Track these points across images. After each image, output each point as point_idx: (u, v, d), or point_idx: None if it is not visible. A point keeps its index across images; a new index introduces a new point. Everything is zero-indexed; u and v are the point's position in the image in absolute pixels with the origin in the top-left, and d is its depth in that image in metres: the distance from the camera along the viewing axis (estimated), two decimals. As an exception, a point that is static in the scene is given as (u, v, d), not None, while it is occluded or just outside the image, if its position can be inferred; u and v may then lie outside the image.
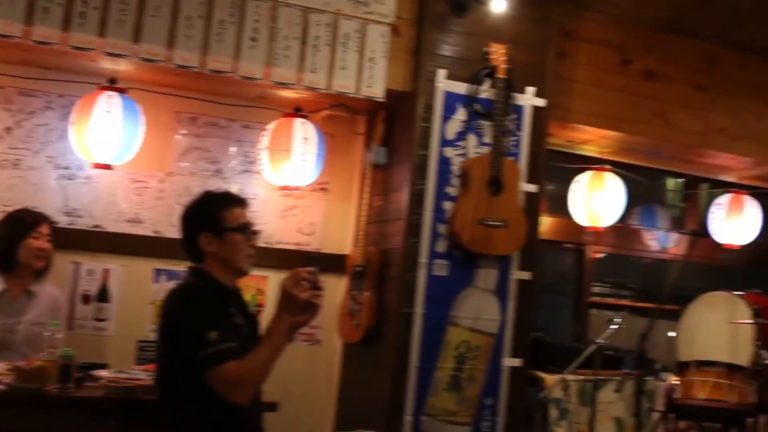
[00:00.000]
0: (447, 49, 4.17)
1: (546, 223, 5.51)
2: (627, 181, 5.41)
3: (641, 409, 4.43)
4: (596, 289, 6.33)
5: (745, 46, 5.24)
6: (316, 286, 2.57)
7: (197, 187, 4.16)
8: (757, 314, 3.85)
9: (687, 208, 6.39)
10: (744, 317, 3.98)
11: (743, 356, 4.15)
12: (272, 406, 3.32)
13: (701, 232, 4.11)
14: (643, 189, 6.00)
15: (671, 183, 6.54)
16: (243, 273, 2.81)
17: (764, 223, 5.93)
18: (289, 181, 4.32)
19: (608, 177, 5.26)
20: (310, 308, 2.62)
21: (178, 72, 3.80)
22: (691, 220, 6.24)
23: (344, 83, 3.97)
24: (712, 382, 4.16)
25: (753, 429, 4.36)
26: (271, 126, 4.37)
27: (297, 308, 2.58)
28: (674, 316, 4.56)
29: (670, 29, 5.05)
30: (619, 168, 5.40)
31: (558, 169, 5.49)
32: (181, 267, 2.78)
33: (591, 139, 5.11)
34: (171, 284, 3.53)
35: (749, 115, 5.36)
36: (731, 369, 4.16)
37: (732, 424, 4.46)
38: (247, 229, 2.79)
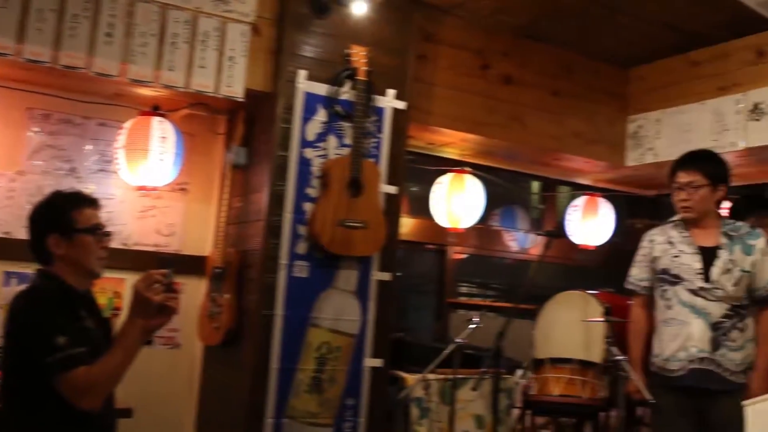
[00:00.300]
0: (308, 50, 4.24)
1: (408, 224, 5.66)
2: (487, 183, 5.61)
3: (500, 406, 4.60)
4: (463, 289, 6.53)
5: (599, 53, 5.56)
6: (170, 289, 2.57)
7: (50, 186, 4.09)
8: (607, 312, 4.07)
9: (545, 210, 6.68)
10: (596, 315, 4.20)
11: (595, 353, 4.36)
12: (127, 412, 3.30)
13: (556, 233, 4.32)
14: (503, 191, 6.23)
15: (535, 186, 6.80)
16: (94, 275, 2.78)
17: (617, 225, 6.28)
18: (147, 181, 4.29)
19: (468, 179, 5.46)
20: (165, 311, 2.62)
21: (29, 66, 3.72)
22: (549, 222, 6.53)
23: (203, 82, 3.98)
24: (566, 379, 4.35)
25: (605, 422, 4.60)
26: (127, 124, 4.34)
27: (150, 311, 2.58)
28: (531, 315, 4.77)
29: (527, 36, 5.29)
30: (479, 170, 5.61)
31: (420, 171, 5.65)
32: (33, 270, 2.73)
33: (451, 141, 5.29)
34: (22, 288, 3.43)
35: (603, 121, 5.68)
36: (584, 365, 4.37)
37: (586, 418, 4.71)
38: (98, 231, 2.76)
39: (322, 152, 4.22)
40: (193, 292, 4.52)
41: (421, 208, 5.74)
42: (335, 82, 4.27)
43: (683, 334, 3.69)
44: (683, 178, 3.77)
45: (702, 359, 3.65)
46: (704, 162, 3.79)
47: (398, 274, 5.98)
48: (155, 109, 4.36)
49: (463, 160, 5.64)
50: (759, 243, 3.74)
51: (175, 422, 4.59)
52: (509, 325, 4.04)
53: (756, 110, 4.96)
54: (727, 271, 3.67)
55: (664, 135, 5.51)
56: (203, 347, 4.61)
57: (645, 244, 3.96)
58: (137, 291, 2.58)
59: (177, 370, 4.64)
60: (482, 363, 4.43)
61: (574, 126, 5.56)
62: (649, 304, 3.98)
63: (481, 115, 5.12)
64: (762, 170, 5.63)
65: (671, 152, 5.29)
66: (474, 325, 4.21)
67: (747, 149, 5.03)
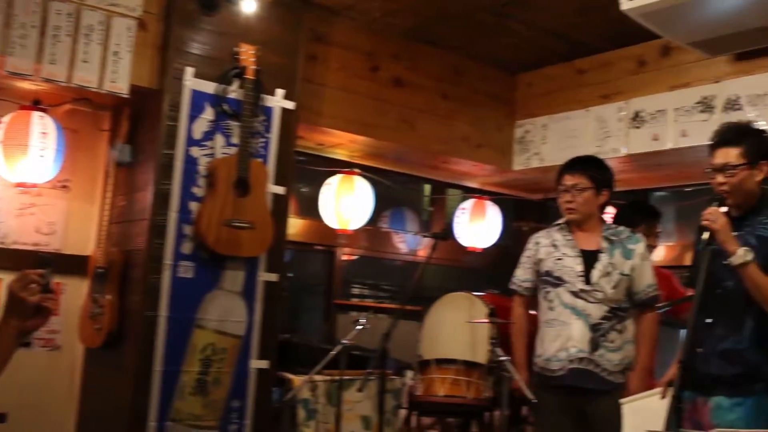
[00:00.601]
0: (196, 47, 4.26)
1: (296, 225, 5.70)
2: (376, 184, 5.70)
3: (387, 406, 4.68)
4: (355, 291, 6.59)
5: (488, 58, 5.74)
6: (46, 289, 2.54)
7: None
8: (492, 314, 4.21)
9: (434, 212, 6.81)
10: (482, 317, 4.31)
11: (480, 354, 4.49)
12: (1, 417, 3.24)
13: (443, 235, 4.43)
14: (393, 193, 6.34)
15: (427, 188, 6.92)
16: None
17: (505, 227, 6.46)
18: (26, 177, 4.23)
19: (357, 180, 5.54)
20: (42, 312, 2.59)
21: None
22: (438, 224, 6.67)
23: (86, 77, 3.95)
24: (452, 379, 4.47)
25: (490, 422, 4.74)
26: (6, 119, 4.26)
27: (26, 312, 2.54)
28: (419, 317, 4.87)
29: (418, 39, 5.43)
30: (368, 172, 5.70)
31: (310, 171, 5.71)
32: None
33: (341, 142, 5.37)
34: None
35: (491, 125, 5.86)
36: (469, 366, 4.50)
37: (471, 417, 4.85)
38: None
39: (208, 151, 4.24)
40: (75, 292, 4.47)
41: (310, 209, 5.80)
42: (223, 80, 4.29)
43: (564, 335, 3.87)
44: (569, 180, 3.97)
45: (581, 359, 3.83)
46: (589, 166, 4.02)
47: (290, 275, 6.01)
48: (36, 103, 4.29)
49: (353, 161, 5.73)
50: (638, 248, 3.96)
51: (55, 427, 4.52)
52: (395, 326, 4.13)
53: (637, 118, 5.23)
54: (607, 274, 3.87)
55: (550, 140, 5.74)
56: (84, 349, 4.56)
57: (530, 246, 4.13)
58: (12, 291, 2.54)
59: (57, 373, 4.57)
60: (369, 364, 4.50)
61: (463, 130, 5.73)
62: (530, 305, 4.15)
63: (371, 116, 5.23)
64: (643, 176, 5.92)
65: (557, 157, 5.51)
66: (360, 326, 4.28)
67: (628, 155, 5.30)
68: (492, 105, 5.92)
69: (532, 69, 5.92)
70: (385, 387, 4.44)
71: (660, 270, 4.45)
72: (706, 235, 3.11)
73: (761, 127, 3.52)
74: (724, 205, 3.22)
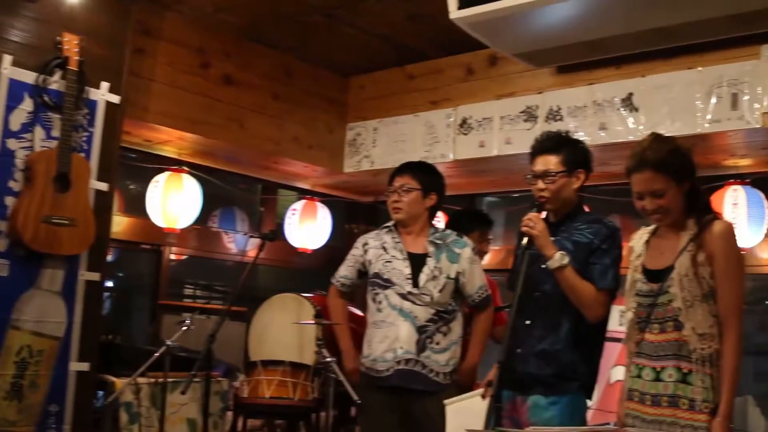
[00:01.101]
0: (15, 34, 4.11)
1: (122, 223, 5.57)
2: (205, 183, 5.64)
3: (214, 409, 4.64)
4: (188, 291, 6.49)
5: (319, 60, 5.80)
6: None
7: None
8: (318, 315, 4.26)
9: (265, 213, 6.81)
10: (309, 318, 4.34)
11: (307, 355, 4.53)
12: None
13: (271, 236, 4.43)
14: (223, 192, 6.28)
15: (258, 188, 6.90)
16: None
17: (335, 229, 6.54)
18: None
19: (186, 178, 5.47)
20: None
21: None
22: (269, 224, 6.67)
23: None
24: (278, 381, 4.48)
25: (316, 423, 4.78)
26: None
27: None
28: (247, 318, 4.86)
29: (250, 37, 5.43)
30: (198, 170, 5.63)
31: (138, 168, 5.57)
32: None
33: (169, 139, 5.29)
34: None
35: (321, 126, 5.92)
36: (296, 367, 4.53)
37: (298, 419, 4.89)
38: None
39: (27, 144, 4.07)
40: None
41: (138, 207, 5.66)
42: (44, 70, 4.14)
43: (391, 336, 3.96)
44: (397, 182, 4.09)
45: (408, 360, 3.93)
46: (418, 170, 4.14)
47: (119, 274, 5.85)
48: None
49: (182, 159, 5.65)
50: (465, 252, 4.09)
51: None
52: (221, 327, 4.10)
53: (464, 125, 5.42)
54: (434, 278, 3.99)
55: (380, 144, 5.87)
56: None
57: (358, 246, 4.22)
58: None
59: None
60: (194, 366, 4.44)
61: (294, 130, 5.76)
62: (344, 296, 4.28)
63: (200, 114, 5.18)
64: (471, 181, 6.15)
65: (387, 160, 5.65)
66: (185, 327, 4.23)
67: (456, 161, 5.49)
68: (324, 107, 5.98)
69: (364, 72, 6.03)
70: (211, 389, 4.40)
71: (487, 278, 4.66)
72: (525, 240, 3.28)
73: (579, 138, 3.75)
74: (543, 210, 3.41)
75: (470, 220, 4.78)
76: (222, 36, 5.32)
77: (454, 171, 5.76)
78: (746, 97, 4.33)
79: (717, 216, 2.98)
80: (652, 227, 3.15)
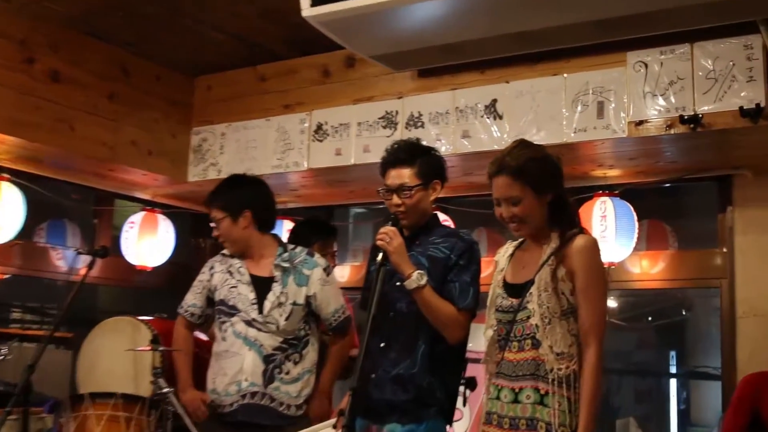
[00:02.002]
0: None
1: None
2: (29, 192, 5.41)
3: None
4: (15, 315, 6.24)
5: (161, 57, 5.64)
6: None
7: None
8: (155, 340, 4.12)
9: (99, 226, 6.57)
10: (145, 344, 4.21)
11: (143, 386, 4.37)
12: None
13: (102, 252, 4.27)
14: (51, 203, 6.05)
15: (92, 198, 6.65)
16: None
17: (180, 244, 6.38)
18: None
19: (5, 187, 5.24)
20: None
21: None
22: (104, 239, 6.44)
23: None
24: (108, 415, 4.30)
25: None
26: None
27: None
28: (76, 344, 4.67)
29: (81, 29, 5.23)
30: (21, 178, 5.38)
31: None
32: None
33: (-15, 143, 5.02)
34: None
35: (163, 130, 5.77)
36: (129, 400, 4.34)
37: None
38: None
39: None
40: None
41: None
42: None
43: (235, 367, 3.87)
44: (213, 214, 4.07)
45: (254, 393, 3.85)
46: (220, 196, 4.07)
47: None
48: None
49: (2, 164, 5.37)
50: (315, 273, 4.01)
51: None
52: (42, 355, 3.91)
53: (319, 131, 5.37)
54: (279, 305, 3.91)
55: (229, 150, 5.76)
56: None
57: (205, 271, 4.13)
58: None
59: None
60: (11, 401, 4.23)
61: (132, 134, 5.58)
62: (195, 329, 4.16)
63: (22, 114, 4.93)
64: (327, 192, 6.11)
65: (235, 168, 5.52)
66: (2, 357, 4.02)
67: (310, 170, 5.43)
68: (166, 109, 5.82)
69: (211, 72, 5.90)
70: (31, 427, 4.21)
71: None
72: (380, 256, 3.26)
73: (441, 146, 3.77)
74: (398, 225, 3.39)
75: (310, 230, 4.73)
76: (49, 27, 5.07)
77: (308, 181, 5.71)
78: (612, 105, 4.44)
79: (582, 230, 3.03)
80: (518, 241, 3.18)
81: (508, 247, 3.22)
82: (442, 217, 5.27)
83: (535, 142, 3.23)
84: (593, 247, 2.97)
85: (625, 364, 9.11)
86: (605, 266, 3.15)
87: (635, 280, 5.58)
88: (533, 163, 2.97)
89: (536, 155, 3.01)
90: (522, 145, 3.07)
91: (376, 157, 5.01)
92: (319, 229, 4.79)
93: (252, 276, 3.98)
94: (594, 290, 2.91)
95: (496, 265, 3.22)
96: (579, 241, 2.95)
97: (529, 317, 2.93)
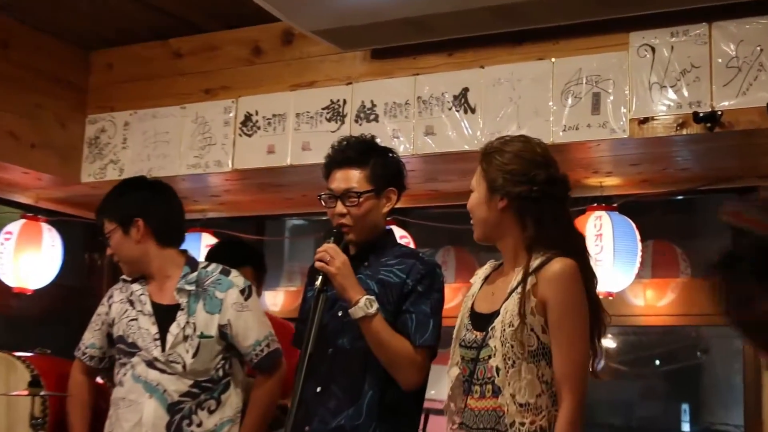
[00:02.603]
0: None
1: None
2: None
3: None
4: None
5: (49, 26, 5.63)
6: None
7: None
8: (35, 383, 4.12)
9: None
10: (22, 387, 4.20)
11: (17, 439, 4.37)
12: None
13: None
14: None
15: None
16: None
17: (67, 260, 6.33)
18: None
19: None
20: None
21: None
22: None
23: None
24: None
25: None
26: None
27: None
28: None
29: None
30: None
31: None
32: None
33: None
34: None
35: (50, 118, 5.77)
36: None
37: None
38: None
39: None
40: None
41: None
42: None
43: (133, 419, 3.86)
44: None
45: (156, 453, 3.86)
46: (115, 201, 4.12)
47: None
48: None
49: None
50: (230, 296, 3.96)
51: None
52: None
53: (248, 123, 5.41)
54: (185, 338, 3.88)
55: (133, 144, 5.77)
56: None
57: (104, 302, 4.12)
58: None
59: None
60: None
61: (9, 123, 5.56)
62: (95, 374, 4.16)
63: None
64: (258, 199, 6.15)
65: (141, 167, 5.57)
66: None
67: (236, 171, 5.46)
68: (54, 91, 5.81)
69: (112, 46, 5.90)
70: None
71: (282, 322, 4.66)
72: (320, 279, 3.28)
73: (399, 145, 3.80)
74: (343, 240, 3.44)
75: (227, 254, 4.66)
76: None
77: (233, 184, 5.75)
78: (611, 99, 4.52)
79: (568, 252, 3.04)
80: (500, 261, 3.23)
81: (486, 269, 3.28)
82: (399, 234, 5.38)
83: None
84: (571, 272, 2.99)
85: (626, 419, 9.16)
86: (596, 296, 3.17)
87: (638, 314, 5.67)
88: (509, 156, 3.08)
89: (520, 150, 3.11)
90: (514, 140, 3.19)
91: (318, 156, 5.08)
92: (239, 254, 4.81)
93: (154, 304, 3.97)
94: (571, 326, 2.94)
95: (468, 288, 3.28)
96: (554, 265, 2.98)
97: (490, 357, 2.98)
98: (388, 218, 3.65)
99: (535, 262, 3.02)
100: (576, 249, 3.09)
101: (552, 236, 3.07)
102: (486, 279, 3.23)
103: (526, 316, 2.94)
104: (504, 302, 3.00)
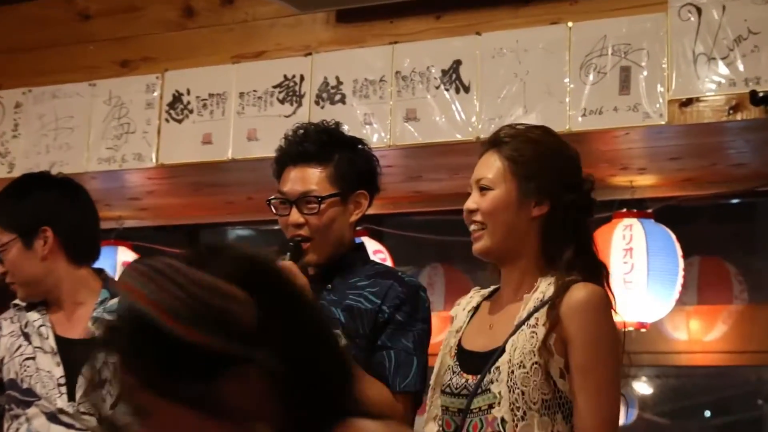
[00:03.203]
0: None
1: None
2: None
3: None
4: None
5: None
6: None
7: None
8: None
9: None
10: None
11: None
12: None
13: None
14: None
15: None
16: None
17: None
18: None
19: None
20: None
21: None
22: None
23: None
24: None
25: None
26: None
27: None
28: None
29: None
30: None
31: None
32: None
33: None
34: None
35: None
36: None
37: None
38: None
39: None
40: None
41: None
42: None
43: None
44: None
45: None
46: (13, 205, 4.07)
47: None
48: None
49: None
50: None
51: None
52: None
53: (177, 105, 5.39)
54: (102, 383, 3.81)
55: (27, 132, 5.73)
56: None
57: None
58: None
59: None
60: None
61: None
62: None
63: None
64: (189, 203, 6.16)
65: (38, 162, 5.53)
66: None
67: (162, 167, 5.43)
68: None
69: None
70: None
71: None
72: None
73: (369, 134, 3.74)
74: (301, 256, 3.42)
75: None
76: None
77: (159, 184, 5.76)
78: (644, 74, 4.52)
79: (589, 276, 3.03)
80: (490, 289, 3.24)
81: (473, 297, 3.26)
82: (373, 248, 5.38)
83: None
84: (599, 301, 2.98)
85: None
86: (621, 329, 3.16)
87: (680, 351, 5.68)
88: (538, 151, 3.10)
89: (550, 145, 3.15)
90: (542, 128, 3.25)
91: (267, 148, 5.09)
92: None
93: (60, 339, 3.95)
94: (600, 371, 2.93)
95: (452, 321, 3.26)
96: (577, 292, 2.96)
97: (492, 406, 2.94)
98: (357, 228, 3.64)
99: (550, 288, 3.00)
100: (596, 271, 3.09)
101: (578, 257, 3.06)
102: (475, 310, 3.22)
103: (545, 355, 2.91)
104: (510, 337, 2.98)
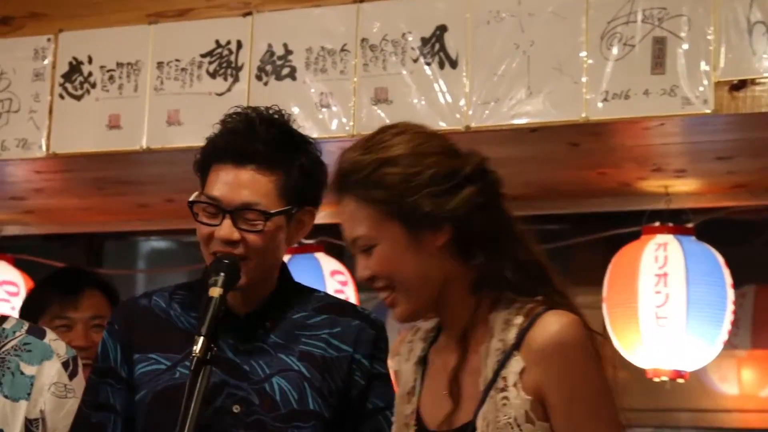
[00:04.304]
0: None
1: None
2: None
3: None
4: None
5: None
6: None
7: None
8: None
9: None
10: None
11: None
12: None
13: None
14: None
15: None
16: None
17: None
18: None
19: None
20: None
21: None
22: None
23: None
24: None
25: None
26: None
27: None
28: None
29: None
30: None
31: None
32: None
33: None
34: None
35: None
36: None
37: None
38: None
39: None
40: None
41: None
42: None
43: None
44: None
45: None
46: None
47: None
48: None
49: None
50: (47, 371, 3.89)
51: None
52: None
53: (76, 76, 5.45)
54: None
55: None
56: None
57: None
58: None
59: None
60: None
61: None
62: None
63: None
64: (89, 205, 6.23)
65: None
66: None
67: (54, 156, 5.47)
68: None
69: None
70: None
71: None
72: (199, 345, 3.24)
73: (305, 135, 3.63)
74: (236, 281, 3.41)
75: (52, 286, 4.76)
76: None
77: (50, 180, 5.83)
78: (684, 47, 4.62)
79: (551, 299, 2.98)
80: (427, 325, 3.20)
81: (414, 343, 3.24)
82: (330, 267, 5.42)
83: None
84: (575, 334, 2.88)
85: None
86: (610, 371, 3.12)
87: (730, 409, 5.75)
88: (399, 173, 3.00)
89: (407, 155, 3.06)
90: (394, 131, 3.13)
91: (194, 135, 5.12)
92: (58, 284, 4.85)
93: None
94: (594, 426, 2.90)
95: (397, 377, 3.28)
96: (546, 325, 2.89)
97: None
98: (311, 242, 3.68)
99: (508, 330, 2.94)
100: (551, 283, 3.04)
101: (521, 267, 3.03)
102: (423, 362, 3.21)
103: (526, 421, 2.85)
104: (479, 408, 2.94)
